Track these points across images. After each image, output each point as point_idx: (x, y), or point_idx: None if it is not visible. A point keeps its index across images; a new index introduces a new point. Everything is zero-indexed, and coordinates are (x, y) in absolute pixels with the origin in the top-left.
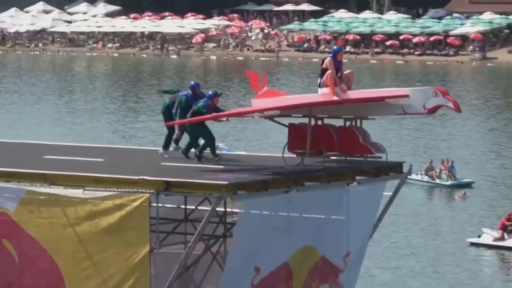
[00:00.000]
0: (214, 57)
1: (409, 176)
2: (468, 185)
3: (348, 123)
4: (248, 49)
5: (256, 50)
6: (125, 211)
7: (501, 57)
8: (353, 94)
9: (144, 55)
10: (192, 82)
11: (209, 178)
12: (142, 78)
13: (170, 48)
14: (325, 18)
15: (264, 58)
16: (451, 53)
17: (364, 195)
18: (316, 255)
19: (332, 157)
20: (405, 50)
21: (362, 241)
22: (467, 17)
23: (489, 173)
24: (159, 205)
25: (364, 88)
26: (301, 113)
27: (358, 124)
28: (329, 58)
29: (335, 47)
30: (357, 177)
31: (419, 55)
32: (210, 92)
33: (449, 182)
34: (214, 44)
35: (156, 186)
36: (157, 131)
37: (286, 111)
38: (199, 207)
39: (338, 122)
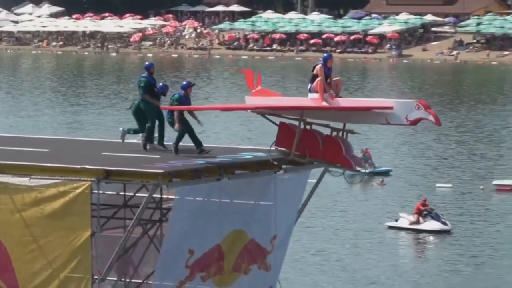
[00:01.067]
0: (151, 55)
1: None
2: (386, 173)
3: (334, 133)
4: (182, 47)
5: (190, 48)
6: (68, 198)
7: (416, 55)
8: (341, 101)
9: (86, 53)
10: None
11: (146, 167)
12: (84, 74)
13: (109, 46)
14: (253, 18)
15: (197, 56)
16: (369, 50)
17: (290, 182)
18: (246, 237)
19: (314, 163)
20: (328, 48)
21: (288, 225)
22: (385, 18)
23: (405, 162)
24: (100, 192)
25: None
26: (291, 115)
27: (344, 136)
28: (319, 64)
29: (325, 54)
30: (283, 166)
31: (340, 52)
32: (184, 83)
33: (369, 170)
34: (151, 43)
35: (97, 174)
36: (98, 123)
37: (277, 111)
38: (137, 194)
39: (327, 130)
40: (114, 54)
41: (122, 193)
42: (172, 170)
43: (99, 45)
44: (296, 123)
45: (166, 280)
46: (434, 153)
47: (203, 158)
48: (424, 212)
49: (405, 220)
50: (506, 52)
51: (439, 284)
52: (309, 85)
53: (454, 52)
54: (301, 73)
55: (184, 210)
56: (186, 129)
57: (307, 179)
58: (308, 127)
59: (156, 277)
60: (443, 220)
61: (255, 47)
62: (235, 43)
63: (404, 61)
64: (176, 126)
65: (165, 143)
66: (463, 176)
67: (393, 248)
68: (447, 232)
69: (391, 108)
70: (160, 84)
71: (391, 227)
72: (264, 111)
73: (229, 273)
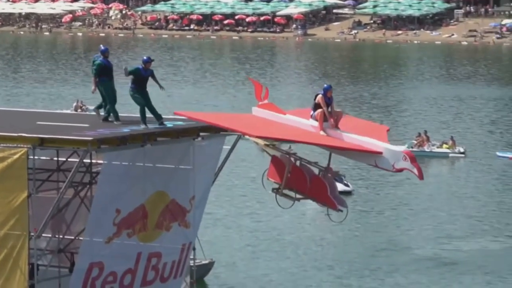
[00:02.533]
0: (80, 34)
1: None
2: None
3: (322, 172)
4: (109, 27)
5: (116, 28)
6: (6, 163)
7: (319, 34)
8: (337, 133)
9: (22, 32)
10: (145, 57)
11: (77, 135)
12: (20, 51)
13: (43, 26)
14: (173, 1)
15: (122, 35)
16: (277, 30)
17: (207, 148)
18: (167, 198)
19: (301, 199)
20: (240, 28)
21: (205, 186)
22: (291, 0)
23: None
24: (35, 157)
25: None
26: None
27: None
28: (320, 95)
29: (325, 85)
30: (201, 133)
31: (251, 32)
32: (144, 58)
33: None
34: (80, 23)
35: (33, 141)
36: (34, 96)
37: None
38: (69, 159)
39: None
40: (47, 33)
41: (56, 159)
42: (100, 137)
43: (34, 25)
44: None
45: (95, 236)
46: None
47: (128, 127)
48: (342, 176)
49: None
50: (399, 32)
51: (342, 242)
52: (312, 113)
53: (353, 32)
54: (216, 51)
55: (111, 173)
56: (144, 101)
57: (223, 145)
58: (298, 162)
59: (86, 233)
60: (345, 182)
61: (174, 27)
62: (157, 24)
63: (309, 39)
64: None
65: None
66: None
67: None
68: (349, 193)
69: (380, 153)
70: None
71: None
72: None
73: (152, 230)
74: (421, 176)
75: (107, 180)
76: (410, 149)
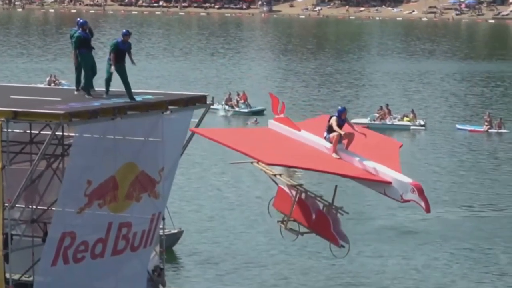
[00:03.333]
0: (52, 10)
1: (212, 106)
2: (260, 112)
3: (326, 209)
4: (80, 4)
5: (86, 5)
6: None
7: (284, 10)
8: (348, 156)
9: None
10: (124, 30)
11: (50, 109)
12: None
13: (16, 3)
14: None
15: (92, 11)
16: (244, 7)
17: (176, 121)
18: (137, 169)
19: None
20: (207, 4)
21: (174, 158)
22: None
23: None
24: (9, 130)
25: None
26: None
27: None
28: (334, 117)
29: (339, 108)
30: (170, 107)
31: (218, 8)
32: (124, 30)
33: (246, 110)
34: (52, 0)
35: (6, 115)
36: (8, 70)
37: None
38: (41, 132)
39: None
40: (20, 10)
41: (29, 131)
42: (72, 111)
43: (7, 2)
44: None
45: (67, 207)
46: (301, 95)
47: (99, 101)
48: None
49: None
50: (362, 8)
51: None
52: (325, 134)
53: (317, 8)
54: (184, 27)
55: (83, 146)
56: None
57: (191, 118)
58: (304, 195)
59: (58, 204)
60: None
61: (144, 4)
62: (126, 0)
63: (274, 16)
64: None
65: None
66: (324, 113)
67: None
68: None
69: (389, 183)
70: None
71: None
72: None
73: (123, 201)
74: (428, 210)
75: (78, 152)
76: (373, 121)
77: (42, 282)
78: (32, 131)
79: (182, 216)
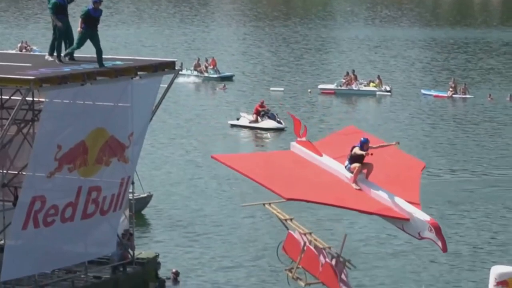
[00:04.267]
0: None
1: (180, 72)
2: (229, 78)
3: (334, 260)
4: None
5: None
6: None
7: None
8: (366, 187)
9: None
10: None
11: (20, 74)
12: None
13: None
14: None
15: None
16: None
17: (145, 86)
18: (107, 134)
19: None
20: None
21: (143, 123)
22: None
23: (247, 67)
24: None
25: None
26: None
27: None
28: (357, 147)
29: (362, 138)
30: (139, 73)
31: None
32: None
33: (215, 75)
34: None
35: None
36: None
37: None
38: (12, 97)
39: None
40: None
41: None
42: (42, 76)
43: None
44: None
45: (38, 171)
46: (269, 61)
47: (69, 66)
48: (262, 112)
49: (245, 119)
50: None
51: None
52: (346, 163)
53: None
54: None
55: (53, 111)
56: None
57: (160, 84)
58: (313, 244)
59: (29, 168)
60: (278, 119)
61: None
62: None
63: None
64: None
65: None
66: (293, 81)
67: (235, 142)
68: (281, 129)
69: (407, 220)
70: None
71: (233, 125)
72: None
73: (93, 165)
74: (445, 249)
75: (48, 117)
76: (339, 87)
77: (12, 246)
78: (3, 97)
79: (151, 181)
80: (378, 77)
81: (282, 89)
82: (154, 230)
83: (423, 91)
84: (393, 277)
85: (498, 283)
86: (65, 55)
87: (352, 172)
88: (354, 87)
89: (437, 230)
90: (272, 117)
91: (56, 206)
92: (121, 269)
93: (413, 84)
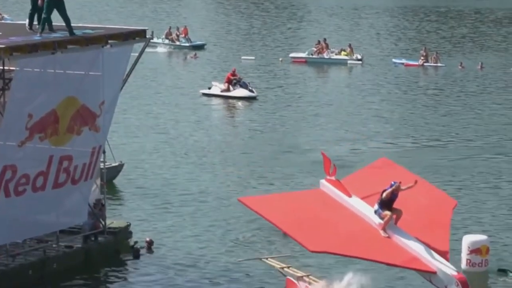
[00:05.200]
0: None
1: (152, 40)
2: (201, 47)
3: None
4: None
5: None
6: None
7: None
8: (396, 236)
9: None
10: None
11: None
12: None
13: None
14: None
15: None
16: None
17: (116, 55)
18: (78, 103)
19: None
20: None
21: (114, 92)
22: None
23: (218, 36)
24: None
25: None
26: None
27: None
28: (388, 190)
29: (392, 182)
30: (109, 41)
31: None
32: None
33: (187, 44)
34: None
35: None
36: None
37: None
38: None
39: None
40: None
41: None
42: (12, 45)
43: None
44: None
45: (8, 140)
46: (240, 30)
47: (39, 35)
48: (234, 81)
49: (217, 88)
50: None
51: (249, 143)
52: (376, 207)
53: None
54: None
55: (23, 79)
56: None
57: (131, 52)
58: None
59: (0, 137)
60: (250, 88)
61: None
62: None
63: None
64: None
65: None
66: (265, 49)
67: (207, 112)
68: (253, 98)
69: (434, 272)
70: None
71: (205, 94)
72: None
73: (64, 134)
74: None
75: (19, 86)
76: (310, 56)
77: None
78: None
79: (122, 150)
80: (350, 46)
81: (253, 57)
82: (126, 199)
83: (394, 60)
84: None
85: (471, 251)
86: (41, 32)
87: (382, 219)
88: (325, 55)
89: (464, 285)
90: (244, 85)
91: (27, 175)
92: (93, 238)
93: (384, 52)
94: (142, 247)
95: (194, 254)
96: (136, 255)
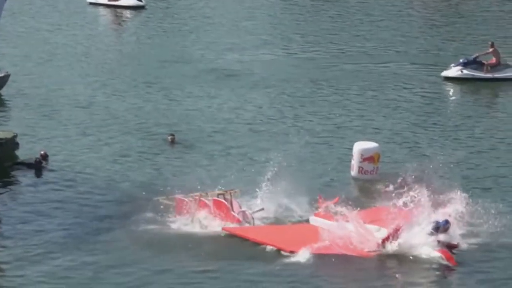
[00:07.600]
0: None
1: None
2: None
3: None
4: None
5: None
6: None
7: None
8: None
9: None
10: None
11: None
12: None
13: None
14: None
15: None
16: None
17: None
18: None
19: None
20: None
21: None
22: None
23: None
24: None
25: None
26: None
27: None
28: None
29: (440, 220)
30: None
31: None
32: None
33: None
34: None
35: None
36: None
37: None
38: None
39: None
40: None
41: None
42: None
43: None
44: None
45: None
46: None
47: None
48: None
49: None
50: None
51: (135, 52)
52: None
53: None
54: None
55: None
56: None
57: None
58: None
59: None
60: None
61: None
62: None
63: None
64: None
65: None
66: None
67: (94, 22)
68: (142, 7)
69: None
70: None
71: (91, 3)
72: None
73: None
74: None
75: None
76: None
77: None
78: None
79: (8, 60)
80: None
81: None
82: (12, 108)
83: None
84: None
85: (364, 159)
86: None
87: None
88: None
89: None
90: None
91: None
92: None
93: None
94: (37, 159)
95: (88, 164)
96: (38, 167)
